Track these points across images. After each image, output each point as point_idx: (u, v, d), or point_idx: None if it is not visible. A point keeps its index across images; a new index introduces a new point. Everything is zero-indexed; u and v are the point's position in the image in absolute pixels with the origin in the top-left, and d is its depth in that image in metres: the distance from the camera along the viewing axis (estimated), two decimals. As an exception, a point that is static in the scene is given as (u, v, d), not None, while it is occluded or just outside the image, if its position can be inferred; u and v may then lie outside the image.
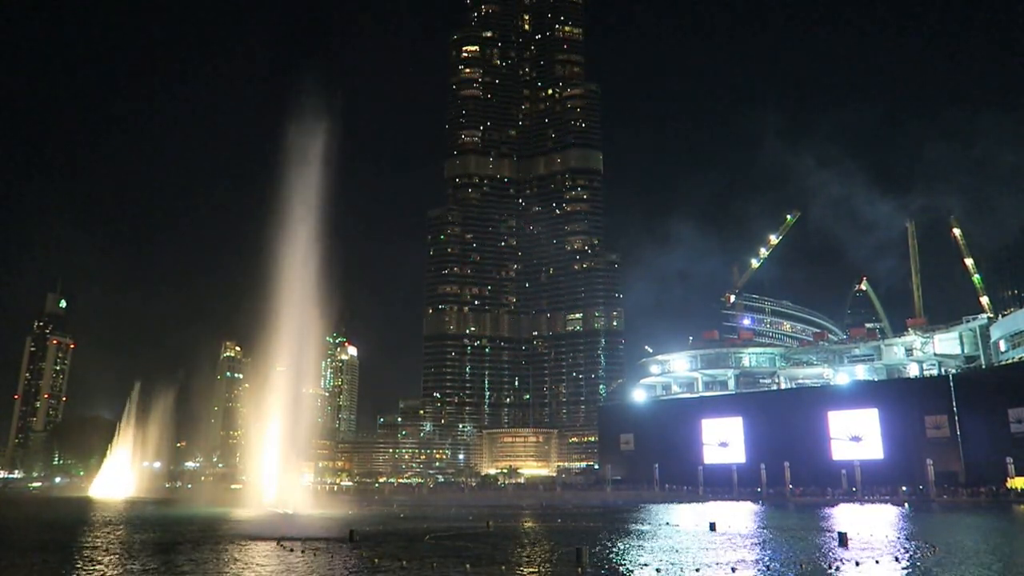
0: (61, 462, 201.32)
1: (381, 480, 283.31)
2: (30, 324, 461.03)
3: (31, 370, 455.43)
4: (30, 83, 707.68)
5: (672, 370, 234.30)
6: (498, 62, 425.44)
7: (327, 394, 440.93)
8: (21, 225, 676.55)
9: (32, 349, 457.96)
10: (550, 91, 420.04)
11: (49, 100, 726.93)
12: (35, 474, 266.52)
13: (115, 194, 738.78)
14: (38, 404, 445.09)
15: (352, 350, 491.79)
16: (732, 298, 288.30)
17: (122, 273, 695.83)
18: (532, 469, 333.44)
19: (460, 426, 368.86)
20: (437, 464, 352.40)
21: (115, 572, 39.58)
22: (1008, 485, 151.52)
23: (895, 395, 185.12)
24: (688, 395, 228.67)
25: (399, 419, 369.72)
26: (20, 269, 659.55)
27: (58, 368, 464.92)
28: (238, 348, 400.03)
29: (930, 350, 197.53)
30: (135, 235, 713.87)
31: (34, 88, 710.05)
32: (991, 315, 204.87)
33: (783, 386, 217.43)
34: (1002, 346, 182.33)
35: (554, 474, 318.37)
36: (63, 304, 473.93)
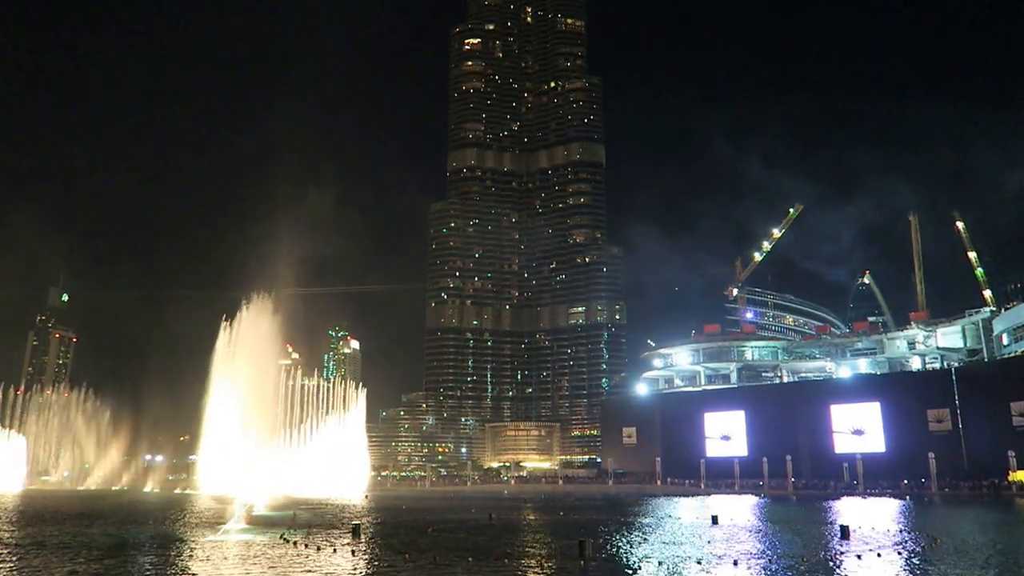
0: (63, 457, 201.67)
1: (383, 473, 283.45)
2: (32, 318, 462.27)
3: (33, 364, 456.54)
4: (28, 83, 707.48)
5: (674, 363, 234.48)
6: (500, 55, 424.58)
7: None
8: (22, 219, 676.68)
9: (35, 343, 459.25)
10: (552, 84, 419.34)
11: (45, 97, 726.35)
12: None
13: (116, 189, 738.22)
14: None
15: (354, 343, 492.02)
16: (734, 291, 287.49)
17: (124, 266, 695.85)
18: (534, 462, 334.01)
19: (462, 419, 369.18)
20: (440, 457, 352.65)
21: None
22: (1010, 479, 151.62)
23: (897, 389, 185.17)
24: (690, 388, 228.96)
25: (401, 412, 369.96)
26: (22, 263, 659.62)
27: (60, 362, 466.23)
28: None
29: (933, 344, 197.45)
30: (136, 228, 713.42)
31: (31, 87, 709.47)
32: (994, 309, 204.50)
33: (785, 379, 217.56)
34: (1005, 340, 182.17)
35: (556, 467, 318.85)
36: (65, 298, 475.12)
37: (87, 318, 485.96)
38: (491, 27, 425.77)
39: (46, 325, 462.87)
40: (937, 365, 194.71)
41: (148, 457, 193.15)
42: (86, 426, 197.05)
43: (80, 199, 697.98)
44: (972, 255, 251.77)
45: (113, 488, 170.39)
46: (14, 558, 40.81)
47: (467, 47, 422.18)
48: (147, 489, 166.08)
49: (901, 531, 59.97)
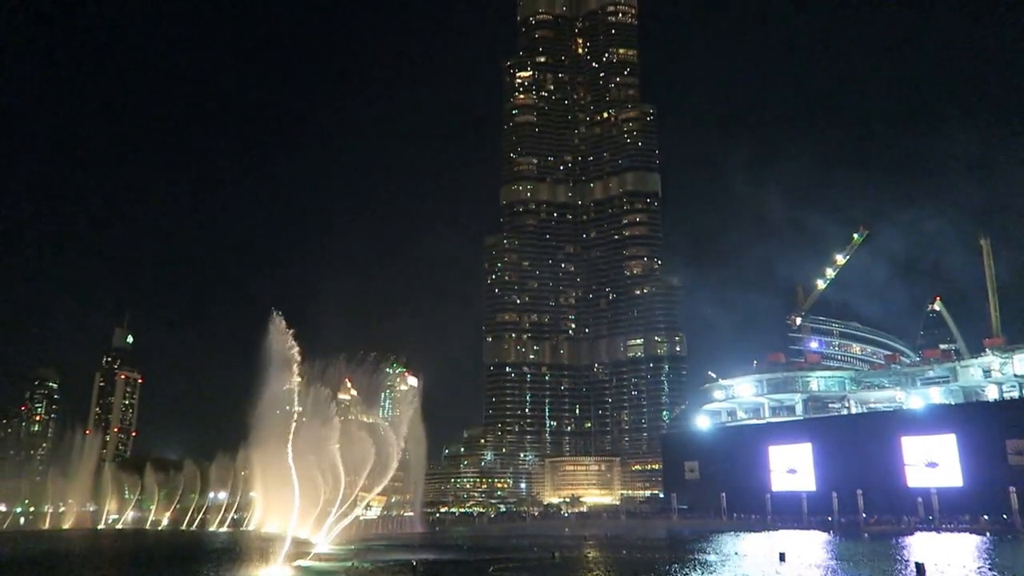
0: (130, 496, 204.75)
1: (442, 510, 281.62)
2: (99, 359, 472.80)
3: (100, 404, 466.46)
4: (100, 117, 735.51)
5: (737, 395, 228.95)
6: (552, 87, 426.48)
7: (389, 424, 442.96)
8: (89, 260, 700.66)
9: (101, 384, 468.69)
10: (605, 114, 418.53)
11: (114, 133, 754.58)
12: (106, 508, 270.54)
13: (182, 230, 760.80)
14: (108, 438, 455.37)
15: (412, 380, 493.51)
16: (798, 320, 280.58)
17: (188, 308, 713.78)
18: (595, 497, 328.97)
19: (522, 455, 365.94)
20: (499, 493, 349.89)
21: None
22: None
23: (973, 419, 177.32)
24: (754, 421, 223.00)
25: (462, 449, 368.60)
26: (88, 304, 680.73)
27: (127, 403, 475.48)
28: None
29: (1010, 371, 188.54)
30: (201, 270, 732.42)
31: (100, 122, 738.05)
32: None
33: (854, 410, 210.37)
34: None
35: (617, 502, 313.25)
36: (130, 339, 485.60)
37: (151, 358, 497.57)
38: (542, 59, 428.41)
39: (111, 366, 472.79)
40: (1016, 394, 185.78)
41: (212, 495, 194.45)
42: (153, 466, 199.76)
43: (143, 241, 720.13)
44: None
45: (180, 527, 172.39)
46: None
47: (519, 80, 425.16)
48: (211, 528, 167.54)
49: (980, 570, 56.48)
